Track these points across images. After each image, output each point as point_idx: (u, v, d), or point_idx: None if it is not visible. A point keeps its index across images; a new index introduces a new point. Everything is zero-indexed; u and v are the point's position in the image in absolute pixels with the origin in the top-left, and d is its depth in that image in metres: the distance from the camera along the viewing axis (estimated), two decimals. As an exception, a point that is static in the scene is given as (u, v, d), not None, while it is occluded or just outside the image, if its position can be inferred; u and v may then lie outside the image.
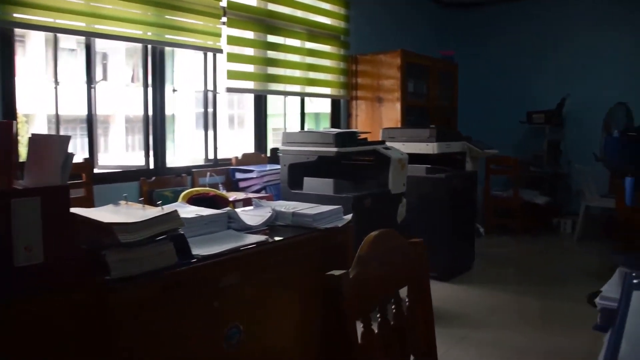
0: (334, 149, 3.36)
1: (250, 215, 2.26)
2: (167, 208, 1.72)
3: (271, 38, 4.48)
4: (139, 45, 3.69)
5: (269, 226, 2.26)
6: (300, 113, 5.16)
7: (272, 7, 4.46)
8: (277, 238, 2.05)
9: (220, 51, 4.01)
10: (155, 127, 3.76)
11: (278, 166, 4.13)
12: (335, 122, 5.53)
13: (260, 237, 2.01)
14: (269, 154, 4.62)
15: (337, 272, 1.10)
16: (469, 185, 4.63)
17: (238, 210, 2.30)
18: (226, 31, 4.02)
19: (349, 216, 2.42)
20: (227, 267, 1.80)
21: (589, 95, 6.55)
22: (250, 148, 4.69)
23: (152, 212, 1.58)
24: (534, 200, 6.27)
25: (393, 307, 1.34)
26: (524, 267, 4.98)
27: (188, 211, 2.08)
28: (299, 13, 4.74)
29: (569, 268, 5.08)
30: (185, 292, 1.65)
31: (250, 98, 4.78)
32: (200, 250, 1.76)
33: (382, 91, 5.29)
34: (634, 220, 4.19)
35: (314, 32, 4.94)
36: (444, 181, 4.26)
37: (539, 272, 4.82)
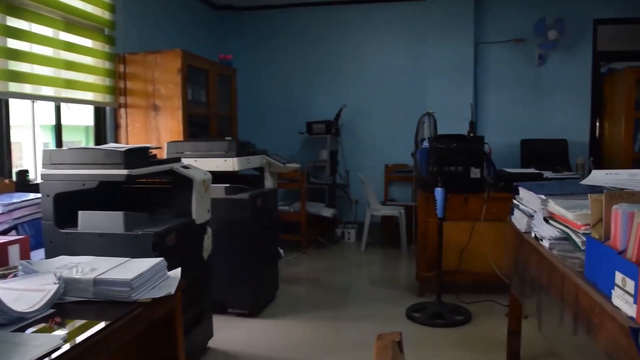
0: (124, 171, 2.49)
1: (19, 293, 1.35)
2: None
3: (13, 22, 3.32)
4: None
5: (57, 306, 1.38)
6: (55, 124, 4.02)
7: (11, -20, 3.32)
8: (78, 338, 1.20)
9: None
10: None
11: (33, 195, 3.04)
12: (100, 136, 4.50)
13: (50, 341, 1.15)
14: (14, 179, 3.44)
15: None
16: (271, 204, 4.12)
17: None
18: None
19: (178, 272, 1.66)
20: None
21: (361, 106, 6.65)
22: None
23: None
24: (321, 213, 6.07)
25: None
26: (327, 287, 4.65)
27: None
28: (50, -7, 3.66)
29: (368, 281, 4.93)
30: None
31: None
32: None
33: (159, 98, 4.46)
34: (430, 231, 4.15)
35: (72, 20, 3.88)
36: (248, 202, 3.66)
37: (344, 291, 4.56)
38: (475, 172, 4.00)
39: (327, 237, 6.29)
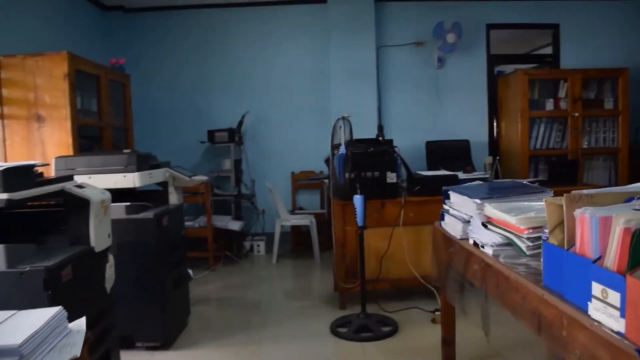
0: (3, 196, 2.06)
1: None
2: None
3: None
4: None
5: None
6: None
7: None
8: None
9: None
10: None
11: None
12: (-29, 153, 3.90)
13: None
14: None
15: None
16: (177, 221, 3.75)
17: None
18: None
19: (82, 324, 1.33)
20: None
21: (264, 112, 6.43)
22: None
23: None
24: (228, 227, 5.74)
25: None
26: (242, 306, 4.34)
27: None
28: None
29: (285, 296, 4.69)
30: None
31: None
32: None
33: (43, 107, 3.94)
34: (349, 240, 4.01)
35: None
36: (153, 221, 3.28)
37: (261, 309, 4.26)
38: (391, 177, 3.90)
39: (235, 251, 5.97)
